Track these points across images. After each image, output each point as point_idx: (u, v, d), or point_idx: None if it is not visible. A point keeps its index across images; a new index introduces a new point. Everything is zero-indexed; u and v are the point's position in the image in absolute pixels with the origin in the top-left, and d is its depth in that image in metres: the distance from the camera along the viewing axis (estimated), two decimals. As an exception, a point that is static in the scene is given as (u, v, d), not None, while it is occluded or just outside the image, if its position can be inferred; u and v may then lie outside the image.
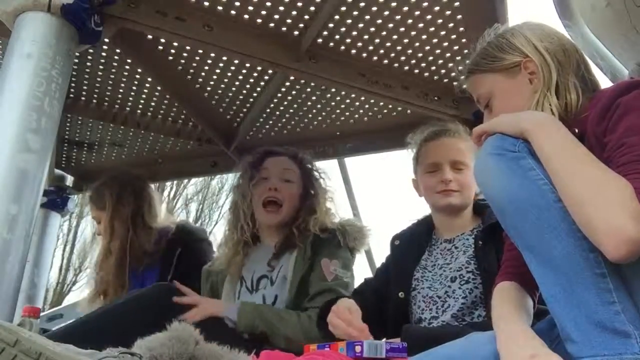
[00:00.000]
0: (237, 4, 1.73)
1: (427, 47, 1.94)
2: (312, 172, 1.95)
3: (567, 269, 0.85)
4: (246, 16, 1.78)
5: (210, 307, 1.63)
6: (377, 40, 1.90)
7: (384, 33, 1.87)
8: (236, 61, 2.07)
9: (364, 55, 1.98)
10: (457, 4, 1.73)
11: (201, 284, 1.92)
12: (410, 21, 1.81)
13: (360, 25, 1.83)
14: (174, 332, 1.03)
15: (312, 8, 1.75)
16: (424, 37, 1.88)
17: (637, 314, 0.82)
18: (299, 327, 1.58)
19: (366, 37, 1.89)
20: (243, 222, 1.86)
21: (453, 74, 2.08)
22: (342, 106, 2.37)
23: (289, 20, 1.81)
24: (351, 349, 1.15)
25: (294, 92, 2.29)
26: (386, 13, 1.77)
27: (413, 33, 1.87)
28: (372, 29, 1.85)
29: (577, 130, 1.01)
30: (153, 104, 2.42)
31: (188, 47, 1.99)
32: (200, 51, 2.02)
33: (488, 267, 1.37)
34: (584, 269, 0.84)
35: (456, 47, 1.91)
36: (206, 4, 1.72)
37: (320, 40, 1.89)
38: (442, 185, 1.51)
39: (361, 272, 2.03)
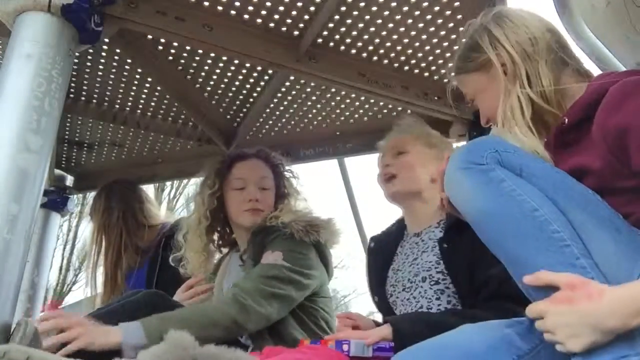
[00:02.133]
0: (237, 4, 1.73)
1: (427, 47, 1.94)
2: (283, 172, 1.91)
3: None
4: (246, 16, 1.78)
5: (90, 336, 1.25)
6: (377, 40, 1.90)
7: (384, 33, 1.87)
8: (236, 61, 2.07)
9: (364, 55, 1.98)
10: (457, 4, 1.74)
11: None
12: (410, 21, 1.81)
13: (360, 25, 1.83)
14: (174, 339, 1.04)
15: (312, 8, 1.75)
16: (424, 37, 1.88)
17: None
18: (207, 319, 1.40)
19: (366, 37, 1.89)
20: (215, 230, 1.86)
21: (452, 74, 2.09)
22: (342, 106, 2.37)
23: (289, 20, 1.80)
24: (339, 347, 1.16)
25: (294, 92, 2.29)
26: (386, 13, 1.77)
27: (413, 33, 1.87)
28: (372, 29, 1.85)
29: (567, 120, 0.99)
30: (153, 104, 2.42)
31: (188, 47, 1.99)
32: (200, 51, 2.02)
33: (456, 269, 1.36)
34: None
35: (456, 47, 1.91)
36: (206, 4, 1.72)
37: (320, 40, 1.89)
38: (382, 176, 1.59)
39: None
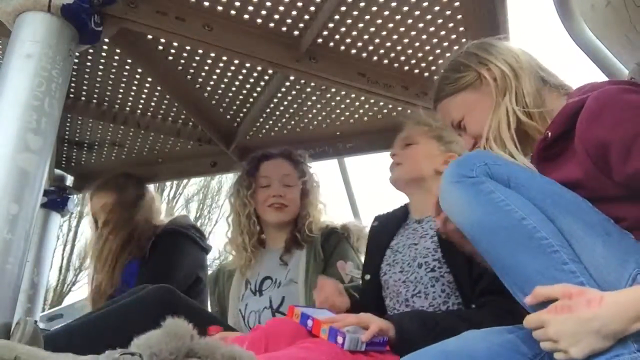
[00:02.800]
0: (237, 4, 1.73)
1: (427, 47, 1.94)
2: (307, 169, 1.99)
3: (543, 284, 0.85)
4: (246, 16, 1.78)
5: None
6: (377, 40, 1.90)
7: (384, 33, 1.86)
8: (236, 61, 2.07)
9: (364, 55, 1.98)
10: (457, 4, 1.73)
11: (208, 289, 1.95)
12: (410, 21, 1.81)
13: (360, 25, 1.83)
14: (170, 327, 1.03)
15: (312, 8, 1.75)
16: (424, 37, 1.88)
17: None
18: None
19: (366, 37, 1.89)
20: (247, 230, 1.91)
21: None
22: (342, 106, 2.37)
23: (289, 20, 1.80)
24: (333, 338, 1.16)
25: (294, 92, 2.29)
26: (386, 13, 1.77)
27: (413, 33, 1.86)
28: (372, 29, 1.85)
29: (550, 134, 1.01)
30: (153, 104, 2.42)
31: (188, 47, 1.99)
32: (200, 51, 2.02)
33: (454, 260, 1.38)
34: (560, 282, 0.85)
35: (456, 47, 1.91)
36: (206, 4, 1.72)
37: (320, 40, 1.89)
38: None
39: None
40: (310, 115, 2.46)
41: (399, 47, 1.94)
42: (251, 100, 2.35)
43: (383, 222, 1.70)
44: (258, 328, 1.29)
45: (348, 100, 2.33)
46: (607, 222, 0.90)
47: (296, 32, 1.86)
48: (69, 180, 2.89)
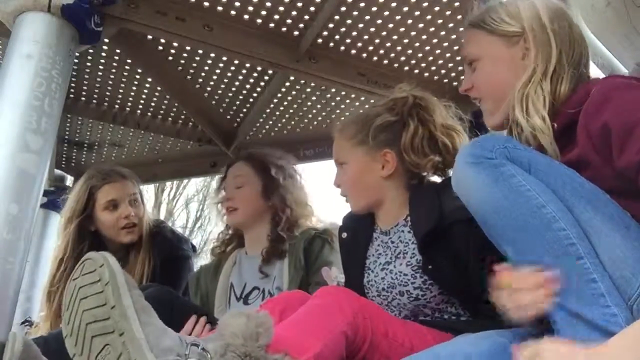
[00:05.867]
0: (237, 4, 1.73)
1: (427, 47, 1.94)
2: (268, 166, 1.89)
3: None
4: (246, 16, 1.78)
5: None
6: (377, 40, 1.90)
7: (384, 33, 1.86)
8: (236, 61, 2.07)
9: (364, 55, 1.98)
10: (457, 4, 1.74)
11: (190, 292, 1.92)
12: (410, 21, 1.81)
13: (360, 25, 1.83)
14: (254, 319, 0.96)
15: (312, 8, 1.75)
16: (424, 37, 1.88)
17: (631, 316, 0.81)
18: None
19: (366, 37, 1.89)
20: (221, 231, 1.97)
21: (453, 74, 2.08)
22: (342, 106, 2.37)
23: (289, 20, 1.80)
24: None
25: (294, 92, 2.29)
26: (386, 13, 1.77)
27: (413, 33, 1.87)
28: (372, 29, 1.85)
29: (555, 125, 0.99)
30: (153, 104, 2.42)
31: (188, 47, 1.99)
32: (200, 51, 2.02)
33: (441, 280, 1.28)
34: (573, 275, 0.84)
35: (456, 47, 1.91)
36: (206, 4, 1.72)
37: (320, 40, 1.89)
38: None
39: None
40: (310, 115, 2.46)
41: (399, 47, 1.94)
42: (251, 100, 2.35)
43: (352, 233, 1.50)
44: (269, 302, 1.28)
45: (348, 100, 2.33)
46: (625, 215, 0.88)
47: (296, 32, 1.86)
48: (69, 180, 2.89)
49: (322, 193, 2.01)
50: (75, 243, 1.96)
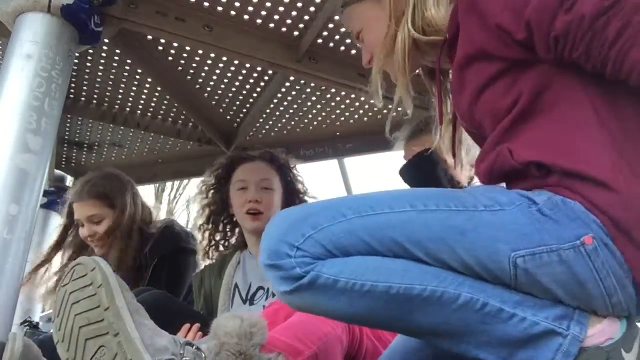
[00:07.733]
0: (237, 4, 1.73)
1: (427, 47, 1.94)
2: (291, 172, 1.92)
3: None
4: (246, 16, 1.78)
5: None
6: (377, 41, 1.90)
7: (384, 33, 1.86)
8: (236, 61, 2.07)
9: (364, 55, 1.97)
10: (456, 4, 1.73)
11: (193, 291, 1.91)
12: (410, 21, 1.81)
13: (360, 25, 1.83)
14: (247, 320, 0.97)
15: (312, 8, 1.75)
16: (424, 37, 1.88)
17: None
18: None
19: (366, 37, 1.89)
20: (222, 231, 1.91)
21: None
22: (342, 106, 2.37)
23: (289, 21, 1.80)
24: None
25: (294, 92, 2.29)
26: (386, 13, 1.77)
27: (413, 33, 1.86)
28: (372, 29, 1.85)
29: (447, 36, 0.96)
30: (153, 104, 2.42)
31: (188, 48, 1.99)
32: (200, 51, 2.02)
33: None
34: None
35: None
36: (206, 4, 1.72)
37: (320, 40, 1.89)
38: None
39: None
40: (310, 115, 2.46)
41: (398, 47, 1.94)
42: (251, 100, 2.35)
43: None
44: (273, 304, 1.28)
45: (348, 101, 2.33)
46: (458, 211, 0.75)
47: (296, 33, 1.86)
48: (69, 180, 2.89)
49: (322, 193, 2.00)
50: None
